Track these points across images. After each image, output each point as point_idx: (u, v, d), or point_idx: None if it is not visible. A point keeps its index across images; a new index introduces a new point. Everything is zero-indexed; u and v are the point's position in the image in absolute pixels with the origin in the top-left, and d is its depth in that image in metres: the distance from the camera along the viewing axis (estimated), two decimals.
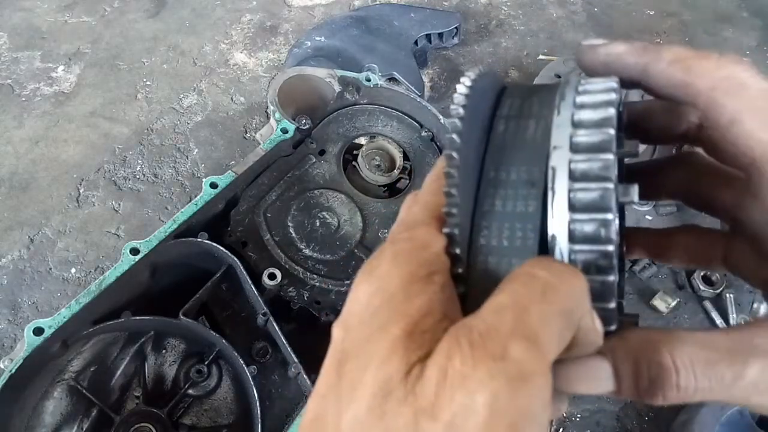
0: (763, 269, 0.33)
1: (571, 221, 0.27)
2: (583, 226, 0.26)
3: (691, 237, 0.38)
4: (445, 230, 0.28)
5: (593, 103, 0.28)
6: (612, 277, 0.26)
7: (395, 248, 0.27)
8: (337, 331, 0.26)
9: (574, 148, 0.27)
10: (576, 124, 0.28)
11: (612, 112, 0.28)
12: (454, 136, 0.28)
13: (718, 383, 0.26)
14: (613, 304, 0.27)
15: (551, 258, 0.26)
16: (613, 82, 0.29)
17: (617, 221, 0.27)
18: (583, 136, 0.28)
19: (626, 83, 0.32)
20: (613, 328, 0.28)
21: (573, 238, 0.27)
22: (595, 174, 0.27)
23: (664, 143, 0.37)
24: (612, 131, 0.27)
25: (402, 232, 0.28)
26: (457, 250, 0.28)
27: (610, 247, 0.26)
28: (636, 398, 0.28)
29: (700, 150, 0.35)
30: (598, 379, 0.27)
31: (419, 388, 0.22)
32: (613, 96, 0.28)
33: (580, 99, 0.29)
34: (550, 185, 0.27)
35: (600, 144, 0.27)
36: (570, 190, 0.27)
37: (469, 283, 0.28)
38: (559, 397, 0.31)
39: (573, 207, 0.27)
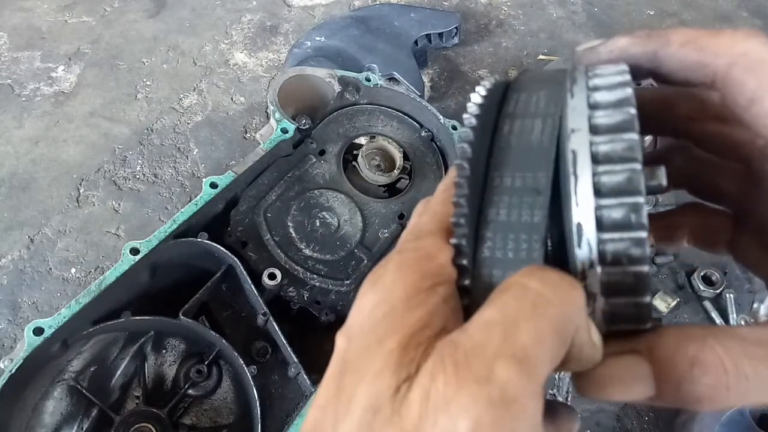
0: (767, 260, 0.32)
1: (598, 207, 0.25)
2: (611, 212, 0.24)
3: (698, 217, 0.37)
4: (453, 241, 0.27)
5: (608, 84, 0.27)
6: (646, 268, 0.24)
7: (401, 258, 0.26)
8: (340, 340, 0.25)
9: (594, 129, 0.26)
10: (593, 106, 0.26)
11: (630, 91, 0.26)
12: (465, 145, 0.26)
13: None
14: (648, 299, 0.25)
15: (546, 267, 0.24)
16: (623, 66, 0.28)
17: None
18: (603, 118, 0.26)
19: (635, 75, 0.30)
20: (648, 326, 0.26)
21: (601, 225, 0.24)
22: (620, 155, 0.25)
23: (654, 134, 0.35)
24: (633, 110, 0.25)
25: (409, 242, 0.27)
26: (464, 262, 0.26)
27: (643, 234, 0.24)
28: (677, 404, 0.25)
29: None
30: (634, 383, 0.25)
31: (404, 410, 0.21)
32: (627, 77, 0.27)
33: (593, 82, 0.27)
34: (571, 170, 0.25)
35: (622, 124, 0.25)
36: (594, 174, 0.25)
37: (473, 295, 0.26)
38: (569, 415, 0.29)
39: (599, 192, 0.25)
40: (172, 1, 1.76)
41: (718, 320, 1.19)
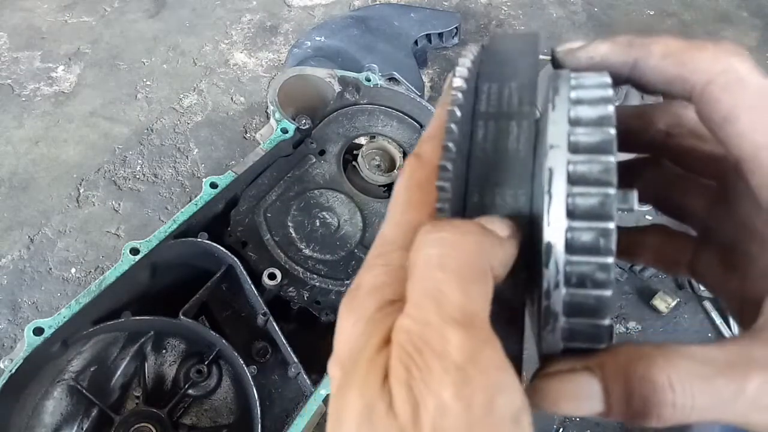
0: (729, 281, 0.32)
1: (569, 229, 0.25)
2: (581, 234, 0.25)
3: (660, 238, 0.37)
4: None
5: (590, 98, 0.27)
6: (609, 292, 0.25)
7: (371, 276, 0.27)
8: (332, 370, 0.26)
9: (573, 147, 0.26)
10: (573, 122, 0.26)
11: (611, 110, 0.26)
12: (449, 164, 0.26)
13: (716, 400, 0.24)
14: (607, 321, 0.25)
15: (436, 224, 0.25)
16: (606, 78, 0.28)
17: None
18: (582, 135, 0.26)
19: (615, 80, 0.29)
20: (604, 346, 0.26)
21: (570, 247, 0.25)
22: (595, 178, 0.25)
23: (629, 151, 0.35)
24: (613, 131, 0.25)
25: (377, 257, 0.27)
26: None
27: (609, 259, 0.24)
28: (626, 420, 0.26)
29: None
30: (585, 399, 0.26)
31: (396, 406, 0.22)
32: (609, 92, 0.27)
33: (575, 94, 0.27)
34: (546, 189, 0.26)
35: (601, 144, 0.25)
36: (568, 195, 0.25)
37: None
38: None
39: (571, 214, 0.25)
40: (172, 1, 1.76)
41: (718, 320, 1.19)
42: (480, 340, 0.22)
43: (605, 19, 1.81)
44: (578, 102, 0.27)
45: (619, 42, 0.29)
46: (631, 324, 1.21)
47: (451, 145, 0.26)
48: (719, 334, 1.19)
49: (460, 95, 0.27)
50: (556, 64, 0.31)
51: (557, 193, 0.25)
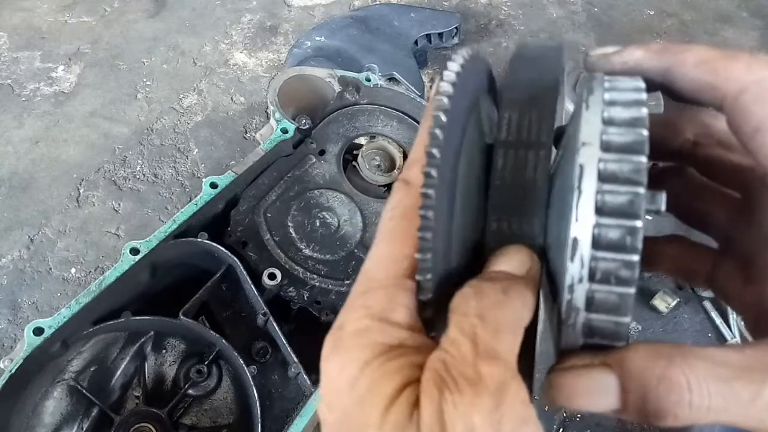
0: (748, 293, 0.32)
1: (596, 225, 0.25)
2: (608, 231, 0.25)
3: (679, 248, 0.37)
4: (418, 276, 0.27)
5: (624, 101, 0.27)
6: (633, 290, 0.25)
7: (353, 318, 0.27)
8: (323, 413, 0.26)
9: (605, 146, 0.26)
10: (607, 122, 0.27)
11: (645, 112, 0.26)
12: (432, 170, 0.26)
13: (733, 403, 0.25)
14: (627, 319, 0.26)
15: (481, 283, 0.27)
16: (640, 82, 0.28)
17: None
18: (615, 135, 0.26)
19: (647, 86, 0.29)
20: (621, 344, 0.27)
21: (597, 244, 0.25)
22: (626, 177, 0.25)
23: (655, 159, 0.35)
24: (645, 132, 0.26)
25: (359, 296, 0.27)
26: (429, 313, 0.27)
27: (635, 257, 0.25)
28: (641, 419, 0.26)
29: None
30: (602, 394, 0.26)
31: (423, 430, 0.23)
32: (643, 96, 0.27)
33: (609, 95, 0.27)
34: (576, 184, 0.26)
35: (632, 144, 0.26)
36: (598, 192, 0.25)
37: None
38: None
39: (600, 210, 0.25)
40: (172, 1, 1.76)
41: (718, 320, 1.19)
42: (509, 376, 0.24)
43: (605, 19, 1.81)
44: (612, 103, 0.27)
45: (652, 48, 0.30)
46: (632, 324, 1.21)
47: (432, 171, 0.26)
48: (719, 335, 1.19)
49: (441, 115, 0.27)
50: (590, 67, 0.32)
51: (587, 189, 0.26)
